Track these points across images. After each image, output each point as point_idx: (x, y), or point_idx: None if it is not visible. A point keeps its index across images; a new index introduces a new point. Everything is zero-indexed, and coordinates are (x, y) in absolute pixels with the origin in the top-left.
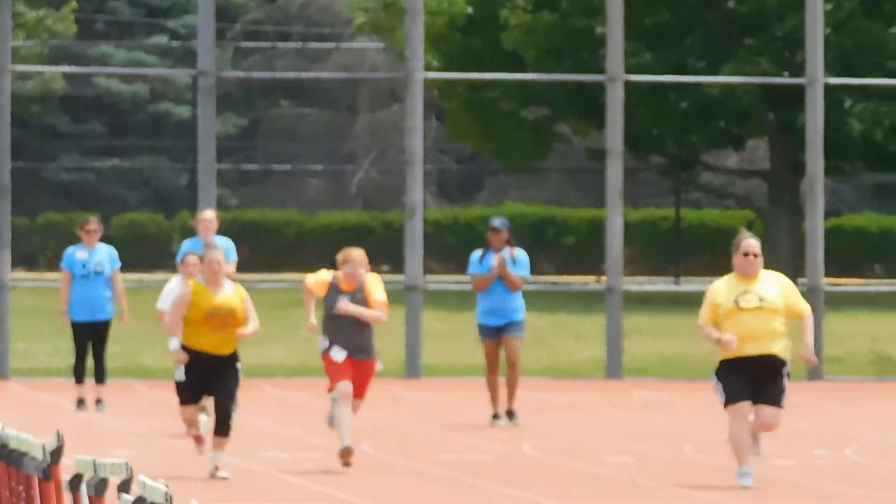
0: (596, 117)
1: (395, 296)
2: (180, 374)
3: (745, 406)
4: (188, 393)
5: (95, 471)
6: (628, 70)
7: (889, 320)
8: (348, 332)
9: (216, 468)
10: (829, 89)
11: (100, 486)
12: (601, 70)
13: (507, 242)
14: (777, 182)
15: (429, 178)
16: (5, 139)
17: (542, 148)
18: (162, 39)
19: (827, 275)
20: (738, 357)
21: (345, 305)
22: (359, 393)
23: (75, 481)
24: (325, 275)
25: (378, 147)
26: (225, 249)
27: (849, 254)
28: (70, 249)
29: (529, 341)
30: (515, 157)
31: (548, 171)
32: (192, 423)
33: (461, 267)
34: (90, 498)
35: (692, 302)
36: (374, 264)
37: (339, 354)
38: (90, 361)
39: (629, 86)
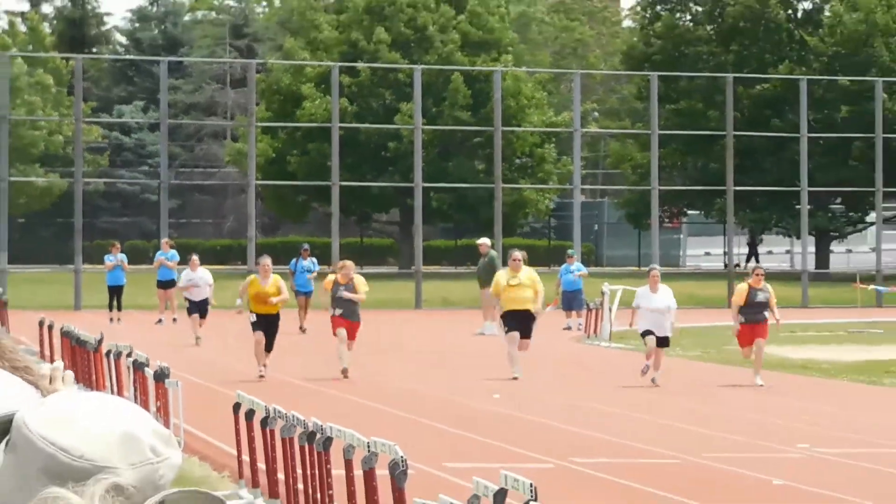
0: None
1: None
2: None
3: (515, 334)
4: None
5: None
6: None
7: None
8: (345, 306)
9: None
10: None
11: None
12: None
13: None
14: None
15: None
16: None
17: None
18: None
19: None
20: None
21: (344, 293)
22: (351, 336)
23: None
24: (330, 277)
25: None
26: None
27: None
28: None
29: None
30: None
31: None
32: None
33: None
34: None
35: None
36: None
37: (337, 312)
38: None
39: None
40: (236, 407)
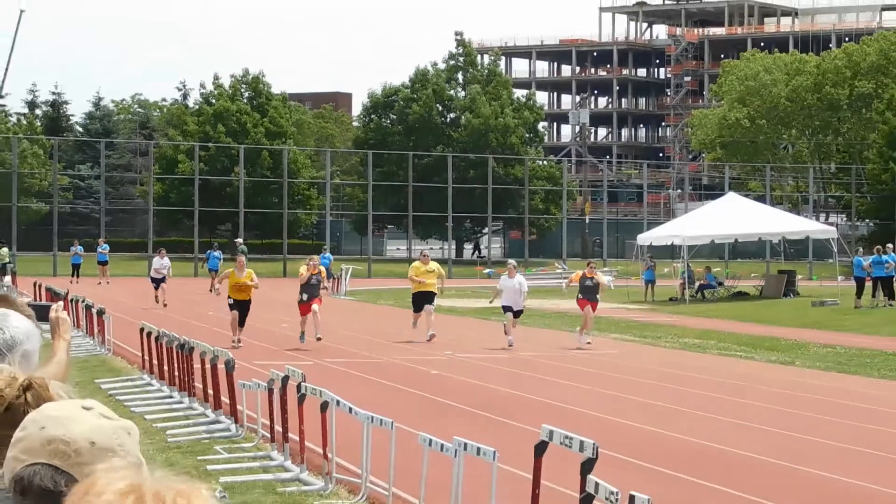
0: None
1: None
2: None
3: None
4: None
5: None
6: None
7: None
8: (313, 289)
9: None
10: None
11: None
12: None
13: None
14: None
15: None
16: None
17: None
18: None
19: None
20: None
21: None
22: (318, 303)
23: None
24: (304, 268)
25: None
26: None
27: None
28: None
29: None
30: None
31: None
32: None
33: None
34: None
35: None
36: None
37: (304, 298)
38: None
39: None
40: (141, 331)
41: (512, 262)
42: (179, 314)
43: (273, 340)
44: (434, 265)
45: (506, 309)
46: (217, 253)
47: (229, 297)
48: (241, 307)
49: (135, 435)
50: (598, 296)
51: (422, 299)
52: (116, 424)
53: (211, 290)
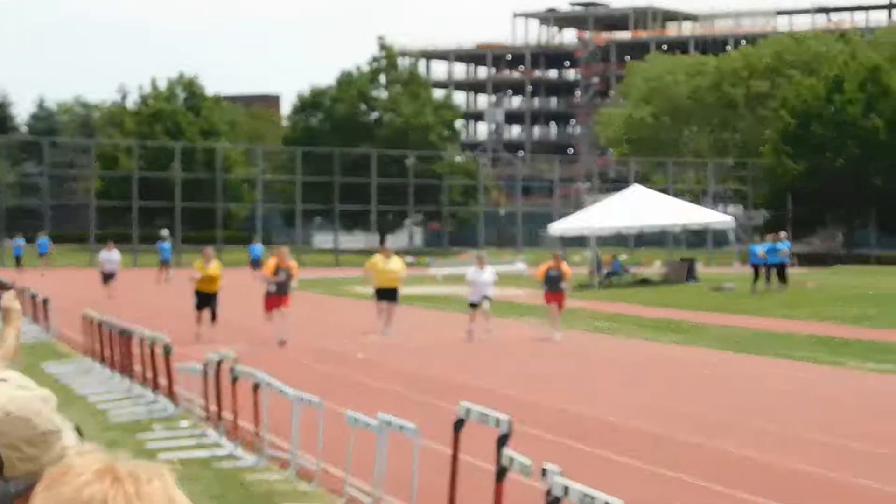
0: None
1: None
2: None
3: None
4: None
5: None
6: None
7: None
8: (282, 285)
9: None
10: None
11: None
12: None
13: None
14: None
15: None
16: None
17: None
18: None
19: None
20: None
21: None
22: (286, 305)
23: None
24: (272, 261)
25: None
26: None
27: None
28: None
29: None
30: None
31: None
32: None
33: None
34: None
35: None
36: None
37: (272, 289)
38: None
39: None
40: (85, 317)
41: (482, 252)
42: (138, 307)
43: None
44: (398, 264)
45: (473, 305)
46: (167, 244)
47: (196, 291)
48: (207, 300)
49: (52, 403)
50: (562, 285)
51: (383, 296)
52: (32, 394)
53: (162, 281)
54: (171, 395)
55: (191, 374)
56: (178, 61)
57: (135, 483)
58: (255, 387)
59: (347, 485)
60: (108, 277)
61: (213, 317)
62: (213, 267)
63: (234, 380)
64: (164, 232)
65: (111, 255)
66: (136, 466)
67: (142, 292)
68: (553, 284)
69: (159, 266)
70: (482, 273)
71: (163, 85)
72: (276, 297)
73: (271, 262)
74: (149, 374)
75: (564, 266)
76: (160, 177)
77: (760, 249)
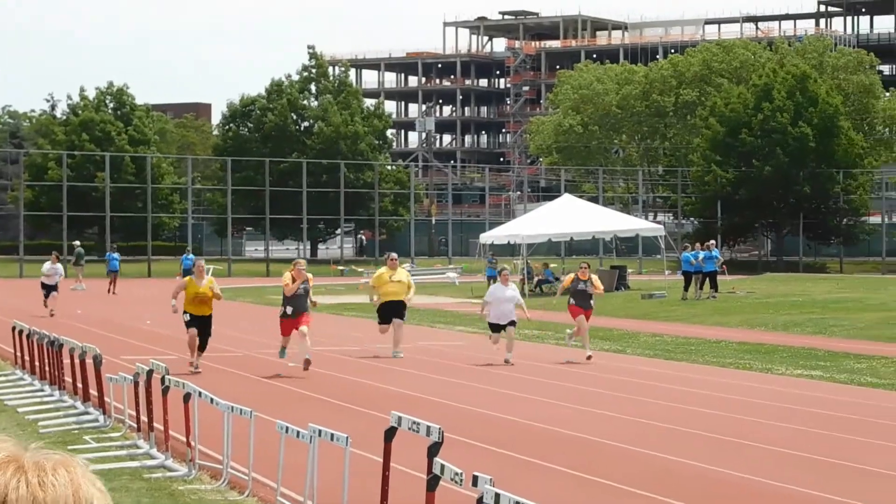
0: None
1: None
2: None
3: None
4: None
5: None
6: None
7: None
8: (300, 302)
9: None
10: None
11: None
12: None
13: None
14: None
15: None
16: None
17: None
18: None
19: None
20: None
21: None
22: (306, 323)
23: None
24: (287, 274)
25: None
26: None
27: None
28: None
29: None
30: None
31: None
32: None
33: None
34: None
35: None
36: None
37: (289, 312)
38: None
39: None
40: (13, 329)
41: (506, 268)
42: (88, 322)
43: (139, 337)
44: (404, 275)
45: (493, 328)
46: (116, 255)
47: (185, 312)
48: (201, 324)
49: None
50: (592, 301)
51: (389, 310)
52: None
53: (109, 292)
54: (101, 405)
55: (121, 385)
56: (108, 71)
57: (38, 473)
58: (186, 397)
59: (279, 495)
60: (50, 290)
61: (203, 346)
62: (206, 284)
63: (165, 390)
64: (76, 243)
65: (56, 268)
66: (42, 456)
67: (90, 305)
68: (582, 299)
69: (109, 276)
70: (506, 290)
71: (92, 94)
72: (292, 319)
73: (287, 277)
74: (79, 385)
75: (596, 280)
76: (90, 187)
77: (699, 256)
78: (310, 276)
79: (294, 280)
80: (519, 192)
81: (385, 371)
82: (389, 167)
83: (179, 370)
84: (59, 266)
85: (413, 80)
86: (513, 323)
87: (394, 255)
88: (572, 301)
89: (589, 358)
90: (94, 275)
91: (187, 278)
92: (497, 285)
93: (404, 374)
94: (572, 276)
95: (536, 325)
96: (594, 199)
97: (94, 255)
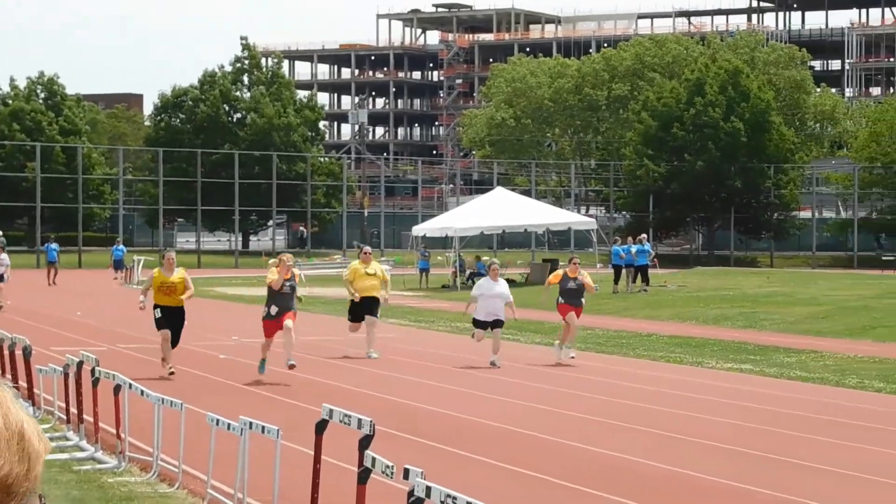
0: None
1: None
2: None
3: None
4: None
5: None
6: None
7: None
8: (285, 300)
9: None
10: None
11: None
12: None
13: None
14: None
15: None
16: None
17: None
18: None
19: None
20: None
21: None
22: (291, 318)
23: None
24: (272, 271)
25: None
26: None
27: None
28: None
29: None
30: None
31: None
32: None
33: None
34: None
35: None
36: None
37: (274, 313)
38: None
39: None
40: None
41: (496, 261)
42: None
43: (69, 328)
44: (377, 267)
45: (479, 324)
46: (55, 245)
47: (155, 306)
48: (171, 316)
49: None
50: (582, 299)
51: (362, 307)
52: None
53: (49, 284)
54: (30, 397)
55: (51, 376)
56: (38, 60)
57: None
58: (117, 389)
59: (209, 487)
60: None
61: (175, 342)
62: (177, 275)
63: (96, 382)
64: None
65: (2, 258)
66: None
67: (19, 295)
68: (572, 297)
69: (48, 267)
70: (495, 286)
71: (22, 84)
72: (277, 320)
73: (273, 273)
74: (8, 376)
75: (587, 277)
76: (20, 177)
77: (632, 250)
78: (297, 271)
79: (282, 277)
80: (452, 185)
81: (317, 364)
82: (322, 159)
83: (111, 362)
84: (6, 257)
85: (346, 73)
86: (500, 323)
87: (367, 248)
88: (562, 300)
89: (572, 358)
90: (23, 265)
91: (155, 270)
92: (486, 279)
93: (336, 366)
94: (559, 273)
95: (468, 318)
96: (527, 193)
97: (24, 245)
